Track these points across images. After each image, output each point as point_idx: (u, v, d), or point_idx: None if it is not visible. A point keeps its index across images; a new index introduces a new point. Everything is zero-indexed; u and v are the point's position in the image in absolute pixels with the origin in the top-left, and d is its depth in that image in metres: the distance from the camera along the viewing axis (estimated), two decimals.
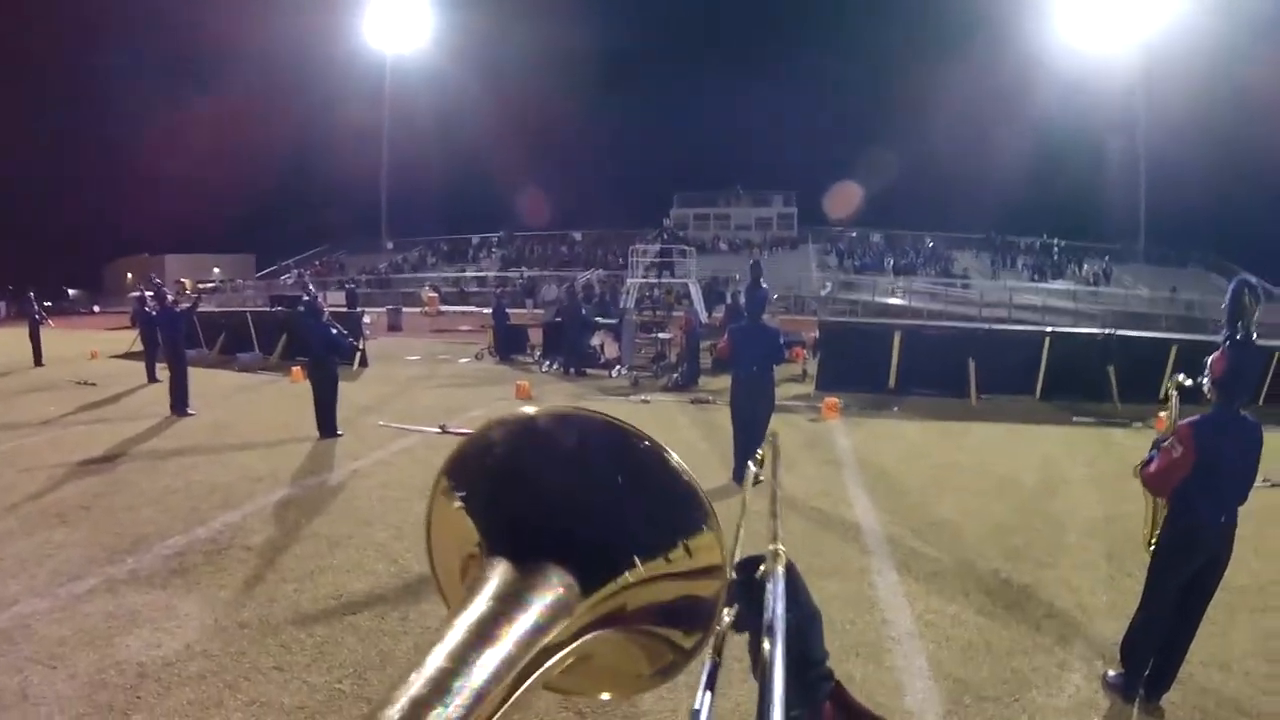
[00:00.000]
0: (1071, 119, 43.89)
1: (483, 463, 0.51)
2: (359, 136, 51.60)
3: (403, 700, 0.33)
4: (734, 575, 0.57)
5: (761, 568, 0.57)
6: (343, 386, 11.41)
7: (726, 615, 0.56)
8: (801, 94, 56.53)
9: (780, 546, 0.60)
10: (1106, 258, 36.46)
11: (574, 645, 0.44)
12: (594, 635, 0.46)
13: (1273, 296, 30.52)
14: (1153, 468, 3.01)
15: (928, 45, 49.37)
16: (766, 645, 0.48)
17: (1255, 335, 2.88)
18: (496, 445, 0.51)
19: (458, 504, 0.50)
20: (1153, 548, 3.18)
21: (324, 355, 8.19)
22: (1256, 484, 7.36)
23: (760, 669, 0.46)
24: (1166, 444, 2.95)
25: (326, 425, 8.07)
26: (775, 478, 0.87)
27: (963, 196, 45.33)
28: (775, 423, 6.27)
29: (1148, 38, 38.60)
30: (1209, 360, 2.95)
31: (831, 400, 9.85)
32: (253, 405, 10.27)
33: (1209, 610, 4.00)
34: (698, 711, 0.48)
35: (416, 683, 0.34)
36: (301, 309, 8.49)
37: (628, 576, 0.47)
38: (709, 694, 0.50)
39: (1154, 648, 3.10)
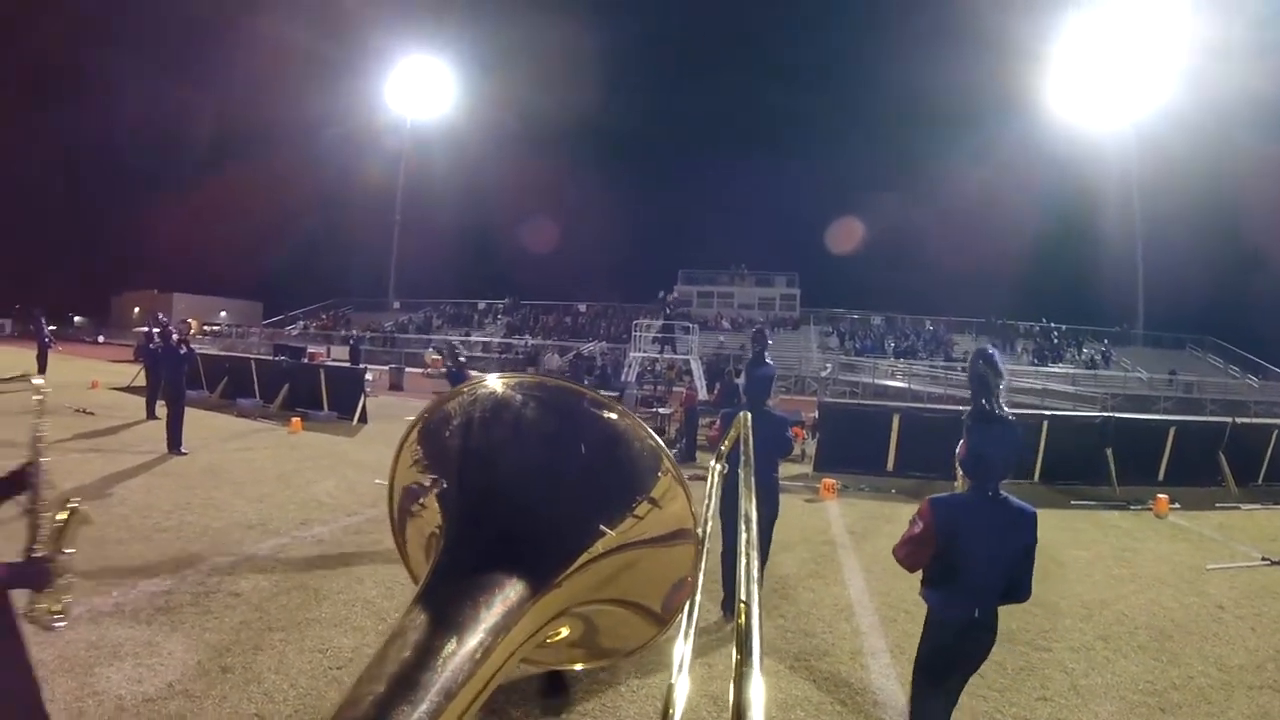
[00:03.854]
0: (1069, 205, 45.35)
1: (443, 437, 0.48)
2: (375, 197, 53.50)
3: (368, 699, 0.31)
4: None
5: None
6: (342, 443, 11.53)
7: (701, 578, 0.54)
8: (806, 179, 58.72)
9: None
10: (1105, 341, 36.87)
11: (544, 629, 0.42)
12: (569, 614, 0.44)
13: (1270, 375, 30.77)
14: (898, 541, 2.74)
15: (929, 133, 51.64)
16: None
17: (1001, 409, 2.62)
18: (455, 419, 0.48)
19: (420, 479, 0.48)
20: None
21: None
22: (1253, 562, 7.15)
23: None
24: (911, 518, 2.68)
25: None
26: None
27: (963, 281, 46.40)
28: None
29: (1143, 123, 39.93)
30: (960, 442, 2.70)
31: (829, 481, 9.84)
32: (250, 452, 10.22)
33: (1207, 689, 3.95)
34: (673, 685, 0.45)
35: (381, 678, 0.32)
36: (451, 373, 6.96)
37: (598, 547, 0.45)
38: (686, 677, 0.46)
39: None
